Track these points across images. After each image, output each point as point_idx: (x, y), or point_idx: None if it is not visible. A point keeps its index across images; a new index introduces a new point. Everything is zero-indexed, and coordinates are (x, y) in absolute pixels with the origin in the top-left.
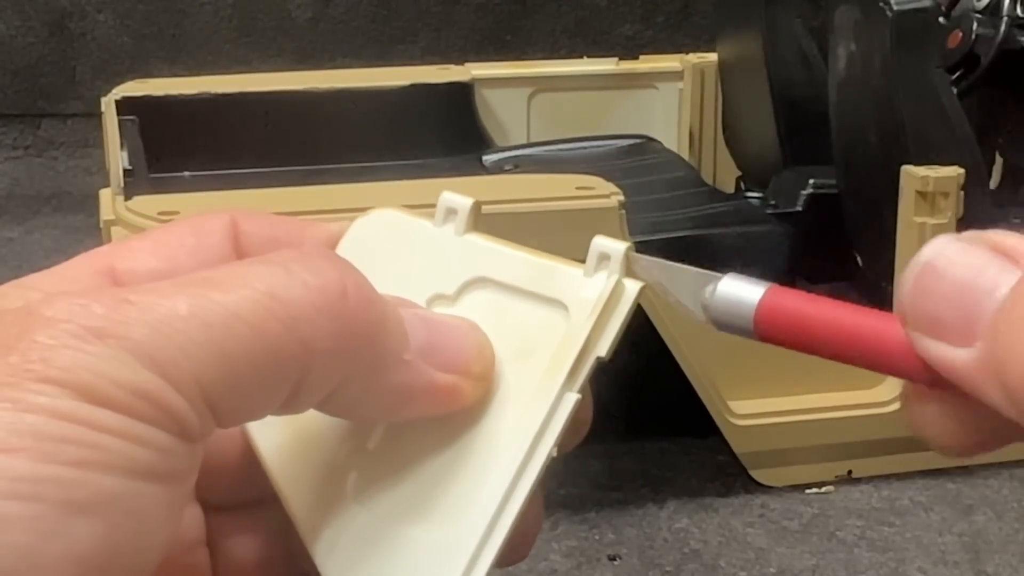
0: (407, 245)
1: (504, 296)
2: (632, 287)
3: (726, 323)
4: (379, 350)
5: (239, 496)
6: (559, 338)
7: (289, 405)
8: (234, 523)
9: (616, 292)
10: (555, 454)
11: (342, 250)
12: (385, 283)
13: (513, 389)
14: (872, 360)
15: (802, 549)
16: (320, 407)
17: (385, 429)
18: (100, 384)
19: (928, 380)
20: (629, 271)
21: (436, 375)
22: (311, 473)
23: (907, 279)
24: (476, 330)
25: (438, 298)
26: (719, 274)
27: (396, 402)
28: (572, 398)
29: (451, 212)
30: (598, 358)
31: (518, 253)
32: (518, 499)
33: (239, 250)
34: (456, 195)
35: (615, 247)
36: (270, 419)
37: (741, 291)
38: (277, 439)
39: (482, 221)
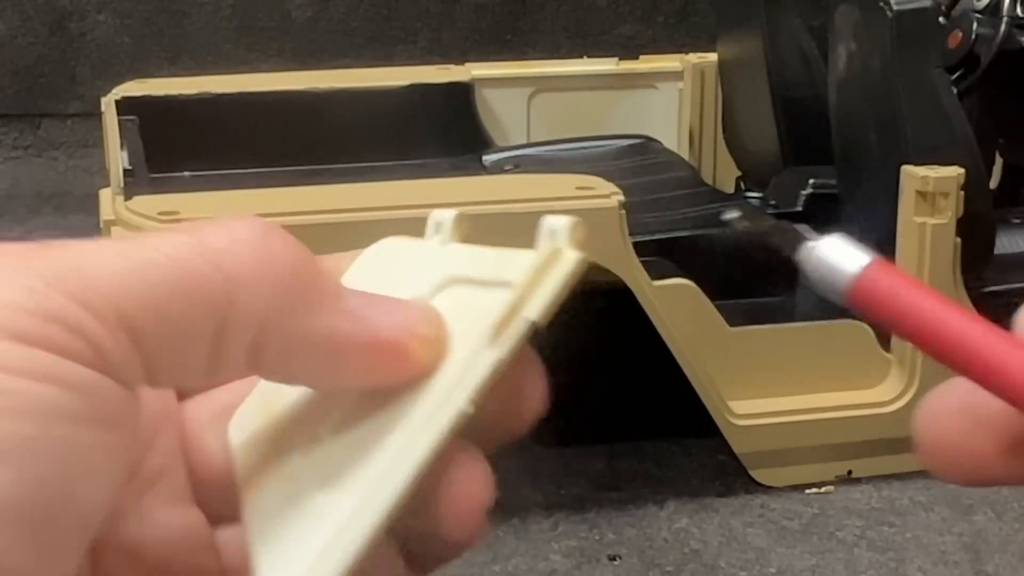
0: (400, 263)
1: (470, 290)
2: (571, 256)
3: (820, 283)
4: (307, 289)
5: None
6: (496, 308)
7: (219, 348)
8: (238, 534)
9: (552, 258)
10: (470, 411)
11: (348, 279)
12: None
13: (449, 361)
14: (966, 368)
15: (802, 549)
16: (255, 363)
17: (339, 416)
18: (11, 318)
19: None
20: (579, 244)
21: (379, 328)
22: (265, 466)
23: None
24: (426, 305)
25: (413, 300)
26: (814, 240)
27: (332, 353)
28: (490, 355)
29: (438, 225)
30: (530, 321)
31: (487, 250)
32: (415, 455)
33: None
34: (443, 211)
35: (560, 221)
36: (245, 423)
37: (845, 254)
38: (247, 444)
39: (481, 223)
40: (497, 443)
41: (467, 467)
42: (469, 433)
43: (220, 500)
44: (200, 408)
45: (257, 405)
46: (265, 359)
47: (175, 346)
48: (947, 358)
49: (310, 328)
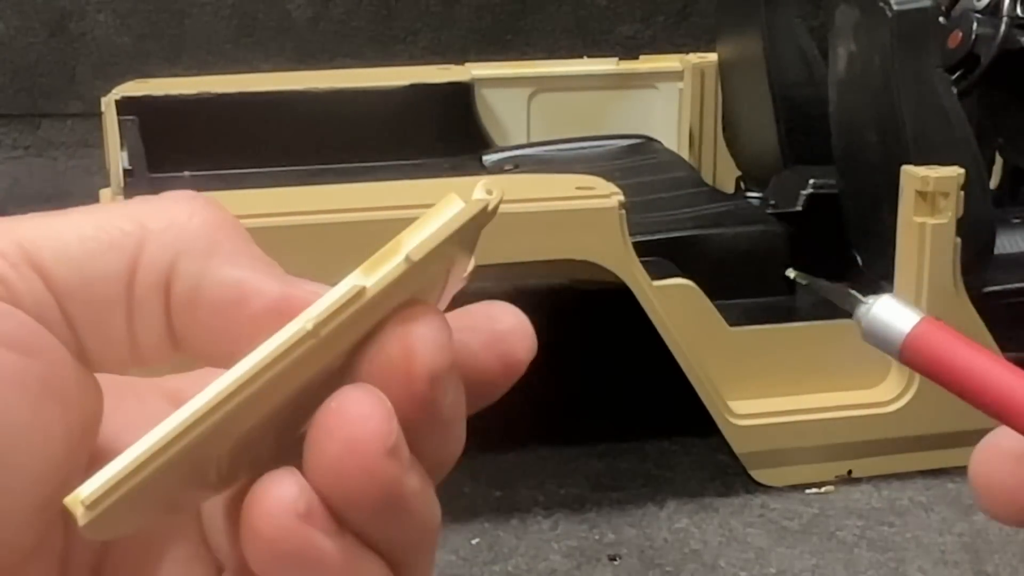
0: None
1: None
2: (458, 203)
3: (876, 340)
4: (220, 235)
5: None
6: None
7: (132, 295)
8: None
9: (446, 205)
10: (309, 327)
11: None
12: None
13: None
14: (1016, 422)
15: (802, 549)
16: (170, 330)
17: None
18: None
19: None
20: (484, 203)
21: (292, 282)
22: None
23: None
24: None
25: None
26: (866, 300)
27: (239, 298)
28: (348, 283)
29: None
30: (407, 258)
31: None
32: (234, 374)
33: None
34: None
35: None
36: None
37: (897, 313)
38: None
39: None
40: (403, 406)
41: (352, 401)
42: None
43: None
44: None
45: None
46: (174, 308)
47: (86, 286)
48: (1000, 415)
49: (218, 273)
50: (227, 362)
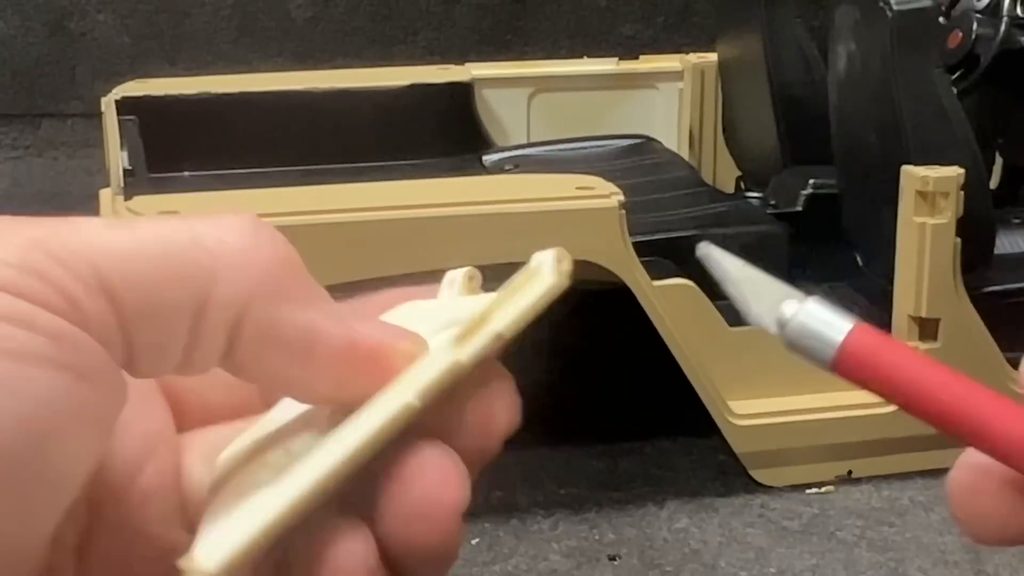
0: (410, 317)
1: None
2: (547, 279)
3: (800, 348)
4: (289, 278)
5: None
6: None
7: (199, 329)
8: None
9: (527, 278)
10: (416, 403)
11: None
12: None
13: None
14: (956, 429)
15: (802, 549)
16: (232, 356)
17: (313, 434)
18: None
19: (1019, 461)
20: (562, 275)
21: (359, 333)
22: (232, 475)
23: None
24: (414, 331)
25: None
26: (801, 294)
27: (307, 349)
28: (447, 358)
29: (451, 283)
30: (498, 334)
31: (490, 294)
32: (350, 444)
33: None
34: (456, 270)
35: (546, 254)
36: (234, 459)
37: (825, 321)
38: (226, 475)
39: (481, 223)
40: (474, 463)
41: (433, 465)
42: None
43: None
44: (196, 441)
45: (244, 439)
46: (241, 343)
47: (154, 315)
48: (939, 422)
49: (289, 318)
50: (284, 393)
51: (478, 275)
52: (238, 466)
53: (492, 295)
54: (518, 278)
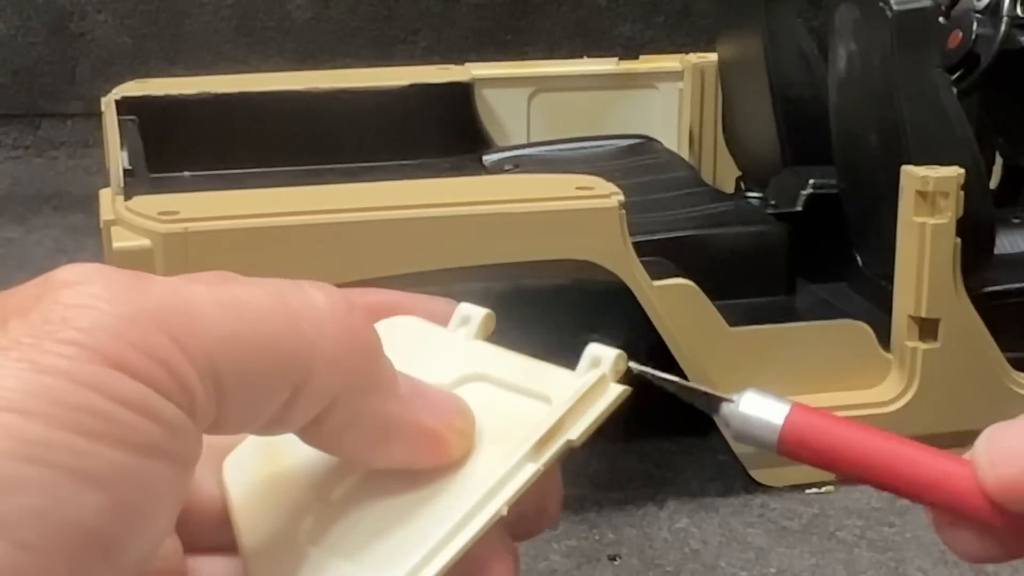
0: (417, 344)
1: (495, 390)
2: (615, 388)
3: (749, 438)
4: (377, 371)
5: (219, 539)
6: (535, 421)
7: (286, 413)
8: (211, 567)
9: (598, 387)
10: (505, 513)
11: None
12: None
13: (482, 460)
14: (900, 489)
15: (802, 549)
16: (309, 431)
17: (352, 484)
18: (118, 346)
19: (950, 508)
20: (618, 375)
21: (423, 417)
22: (269, 518)
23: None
24: (459, 397)
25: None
26: (730, 397)
27: (382, 435)
28: (531, 467)
29: (465, 319)
30: (568, 441)
31: (519, 358)
32: (453, 547)
33: None
34: (472, 306)
35: (607, 353)
36: (245, 465)
37: (764, 410)
38: (248, 485)
39: (481, 223)
40: (520, 538)
41: (502, 561)
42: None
43: (200, 530)
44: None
45: (257, 448)
46: (323, 429)
47: (250, 401)
48: (893, 487)
49: (370, 410)
50: (347, 460)
51: (494, 318)
52: (267, 501)
53: (516, 356)
54: (581, 380)
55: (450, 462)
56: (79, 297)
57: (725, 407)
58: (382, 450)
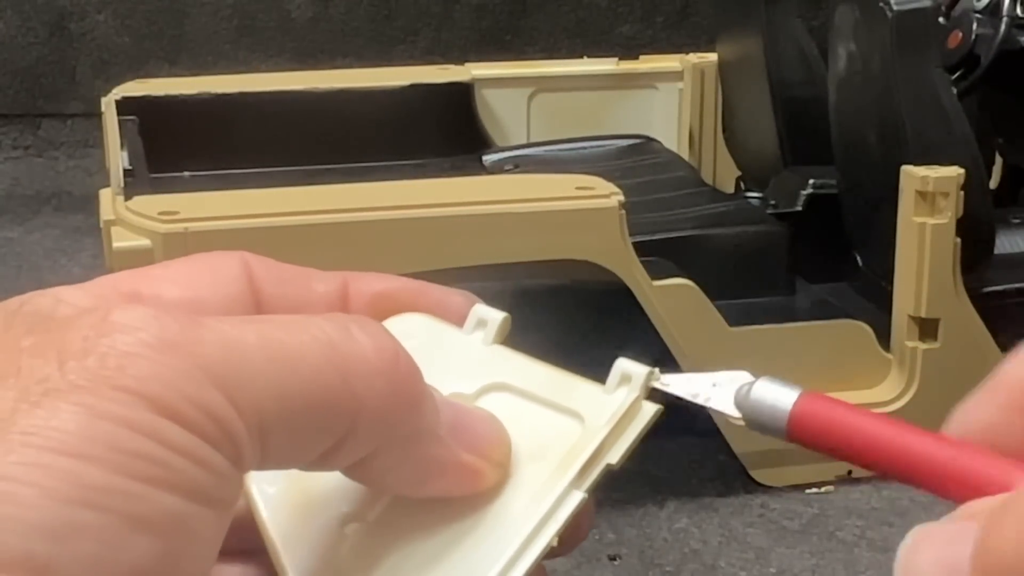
0: (434, 348)
1: (521, 402)
2: (649, 408)
3: (760, 425)
4: (421, 420)
5: (236, 544)
6: (572, 443)
7: (326, 459)
8: (229, 571)
9: (634, 408)
10: (555, 544)
11: None
12: None
13: (522, 484)
14: (904, 474)
15: (802, 549)
16: (351, 470)
17: (388, 503)
18: (172, 398)
19: (961, 496)
20: (648, 392)
21: (462, 454)
22: (306, 534)
23: (898, 565)
24: (495, 419)
25: (456, 397)
26: (750, 377)
27: (424, 476)
28: (578, 496)
29: (481, 323)
30: (608, 464)
31: (540, 366)
32: None
33: (253, 288)
34: (488, 308)
35: (637, 370)
36: (273, 476)
37: (775, 396)
38: (278, 496)
39: (481, 223)
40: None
41: None
42: None
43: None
44: None
45: None
46: (364, 471)
47: (294, 448)
48: (899, 474)
49: (412, 453)
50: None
51: (510, 321)
52: (300, 518)
53: (539, 365)
54: (615, 401)
55: (487, 489)
56: (135, 345)
57: (737, 394)
58: (422, 487)
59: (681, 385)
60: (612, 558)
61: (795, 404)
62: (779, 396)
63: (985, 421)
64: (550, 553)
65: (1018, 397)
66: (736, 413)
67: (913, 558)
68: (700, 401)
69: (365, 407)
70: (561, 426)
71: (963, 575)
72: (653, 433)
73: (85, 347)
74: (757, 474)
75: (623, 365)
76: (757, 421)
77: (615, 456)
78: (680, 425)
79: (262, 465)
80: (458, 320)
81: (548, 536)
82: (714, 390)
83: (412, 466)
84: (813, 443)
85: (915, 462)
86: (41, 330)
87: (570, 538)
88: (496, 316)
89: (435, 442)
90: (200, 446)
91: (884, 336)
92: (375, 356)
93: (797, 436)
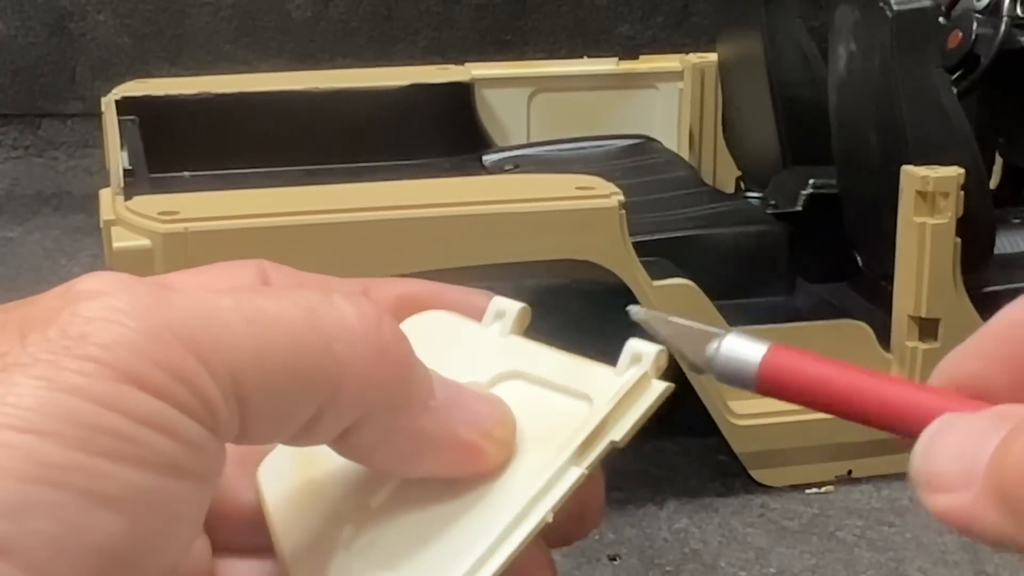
0: (452, 341)
1: (534, 388)
2: (658, 386)
3: (729, 378)
4: (407, 387)
5: (248, 541)
6: (578, 422)
7: (310, 429)
8: (240, 567)
9: (640, 385)
10: (550, 519)
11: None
12: None
13: (524, 465)
14: (873, 418)
15: (802, 549)
16: (339, 443)
17: (391, 490)
18: (139, 363)
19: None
20: (660, 371)
21: (459, 429)
22: (309, 524)
23: (916, 450)
24: (499, 400)
25: (471, 386)
26: (721, 331)
27: (416, 449)
28: (575, 472)
29: (500, 314)
30: (612, 442)
31: (556, 353)
32: (500, 556)
33: None
34: (507, 300)
35: (648, 348)
36: (281, 470)
37: (744, 350)
38: (284, 490)
39: (481, 223)
40: (559, 545)
41: (545, 569)
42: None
43: (230, 532)
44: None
45: (293, 452)
46: (353, 443)
47: (275, 415)
48: (870, 419)
49: (401, 425)
50: (385, 472)
51: (529, 312)
52: (304, 509)
53: (554, 352)
54: (623, 378)
55: (489, 470)
56: (100, 310)
57: (708, 348)
58: (416, 463)
59: (660, 325)
60: (612, 558)
61: (764, 356)
62: (749, 349)
63: (967, 372)
64: (554, 537)
65: (1002, 348)
66: (705, 366)
67: (932, 443)
68: (675, 343)
69: (347, 372)
70: (571, 409)
71: (979, 468)
72: (653, 433)
73: (47, 317)
74: (757, 474)
75: (634, 345)
76: (726, 373)
77: (619, 433)
78: (680, 425)
79: (243, 436)
80: (479, 319)
81: (542, 511)
82: (686, 339)
83: (402, 439)
84: (783, 393)
85: (887, 405)
86: (10, 309)
87: (577, 521)
88: (514, 307)
89: (426, 414)
90: (171, 414)
91: (884, 336)
92: (357, 321)
93: (766, 387)
